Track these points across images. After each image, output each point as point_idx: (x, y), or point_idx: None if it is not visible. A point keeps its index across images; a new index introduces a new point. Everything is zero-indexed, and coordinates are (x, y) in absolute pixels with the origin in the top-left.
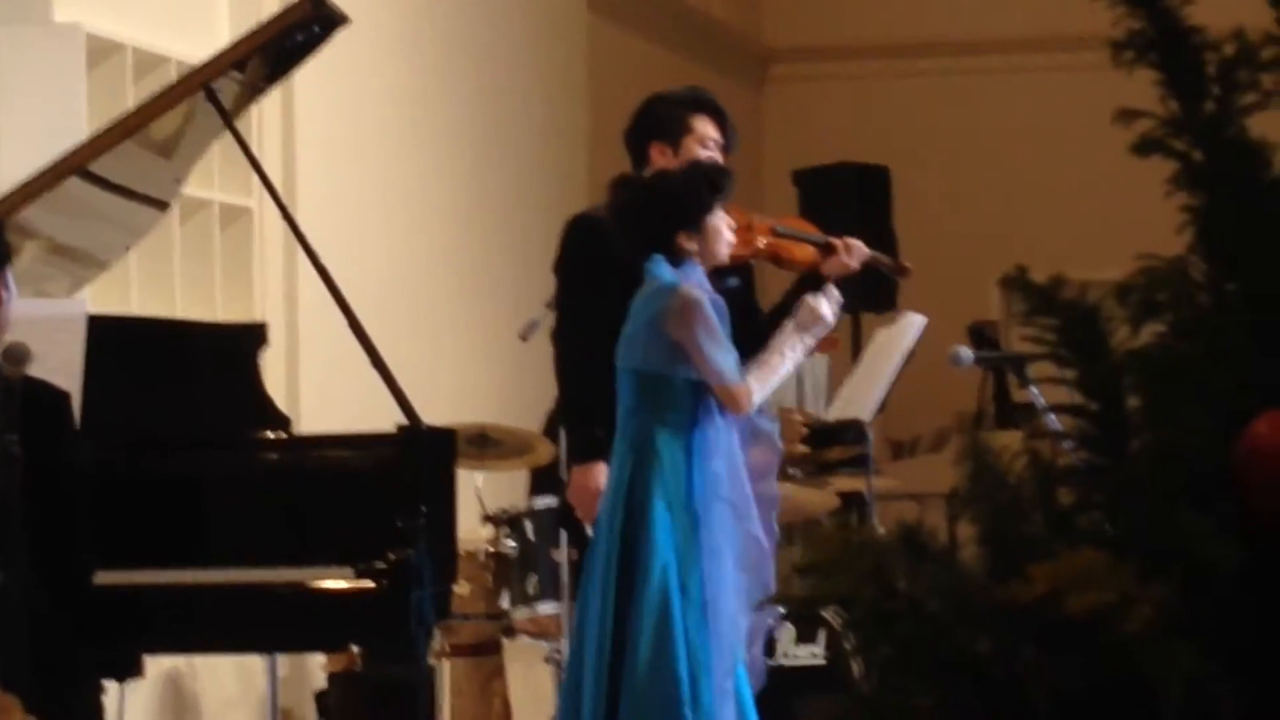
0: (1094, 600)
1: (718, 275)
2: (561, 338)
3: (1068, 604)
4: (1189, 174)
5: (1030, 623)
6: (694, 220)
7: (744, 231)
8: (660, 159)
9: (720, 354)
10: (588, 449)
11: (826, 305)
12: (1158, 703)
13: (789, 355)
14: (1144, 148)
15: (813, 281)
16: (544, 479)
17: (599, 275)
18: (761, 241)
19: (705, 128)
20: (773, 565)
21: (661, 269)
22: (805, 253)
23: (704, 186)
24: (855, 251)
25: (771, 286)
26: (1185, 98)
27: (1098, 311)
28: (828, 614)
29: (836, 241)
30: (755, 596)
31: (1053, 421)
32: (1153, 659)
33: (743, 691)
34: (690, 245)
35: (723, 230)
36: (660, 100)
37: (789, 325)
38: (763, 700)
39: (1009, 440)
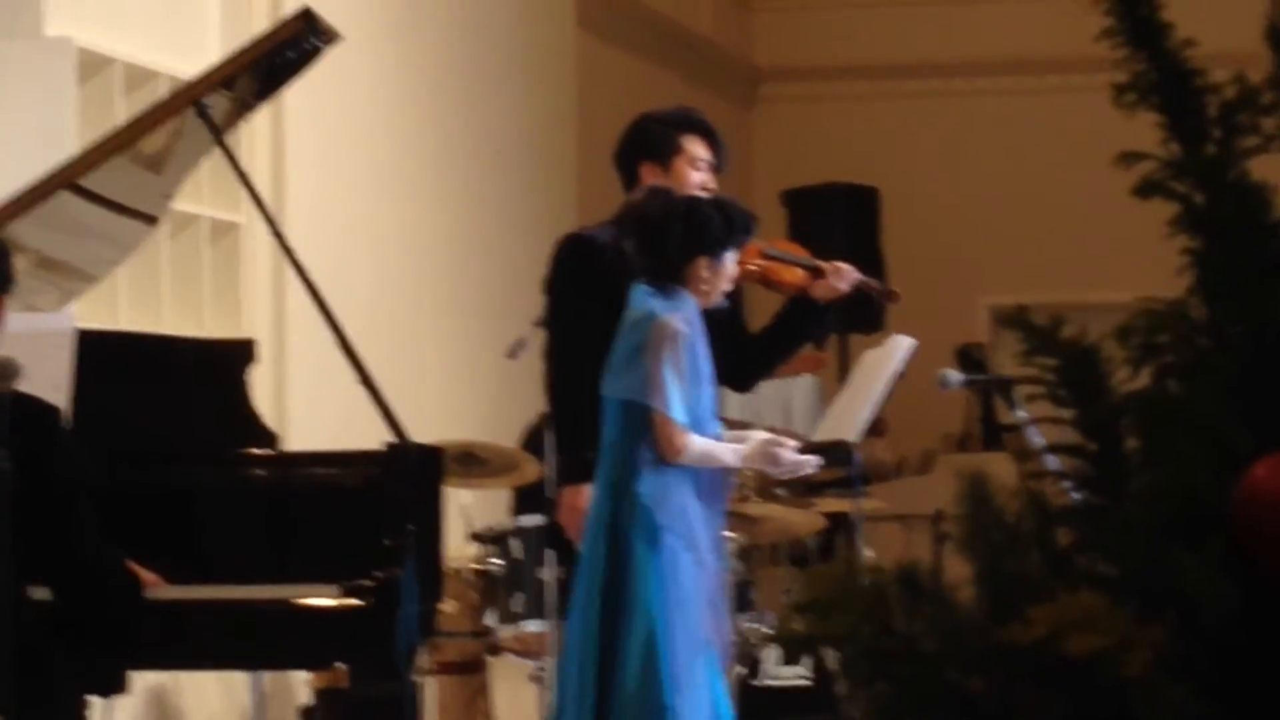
0: (1092, 642)
1: None
2: (552, 358)
3: (1066, 646)
4: (1190, 216)
5: (1027, 664)
6: (719, 251)
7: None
8: (650, 178)
9: (674, 389)
10: (577, 470)
11: (788, 456)
12: None
13: (733, 459)
14: (1145, 190)
15: (802, 304)
16: (528, 497)
17: (590, 296)
18: (751, 264)
19: (696, 148)
20: (721, 589)
21: (644, 298)
22: (794, 275)
23: (738, 225)
24: (844, 276)
25: (760, 308)
26: (1187, 140)
27: (1097, 352)
28: None
29: (826, 266)
30: (706, 623)
31: (1040, 443)
32: (1149, 701)
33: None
34: (704, 273)
35: (732, 273)
36: (651, 119)
37: (757, 441)
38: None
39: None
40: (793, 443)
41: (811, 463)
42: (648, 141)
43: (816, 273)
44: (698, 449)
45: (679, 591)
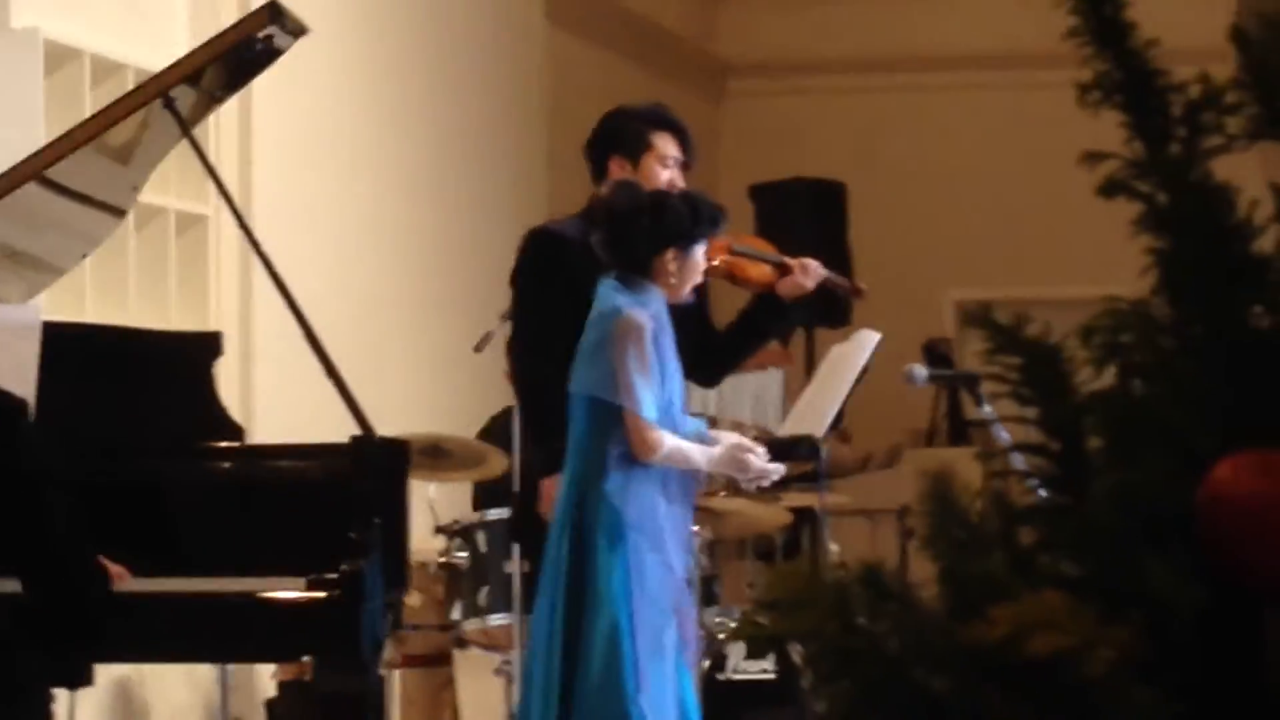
0: (1055, 642)
1: None
2: (515, 352)
3: (1029, 646)
4: (1154, 216)
5: (990, 664)
6: (687, 243)
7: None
8: (619, 173)
9: (643, 387)
10: (555, 461)
11: (756, 463)
12: None
13: (703, 462)
14: (1109, 189)
15: (768, 301)
16: (491, 491)
17: (556, 289)
18: (718, 259)
19: (666, 145)
20: (687, 592)
21: (611, 293)
22: (761, 272)
23: (705, 217)
24: (811, 272)
25: (726, 303)
26: (1150, 140)
27: (1060, 351)
28: None
29: (793, 262)
30: (669, 624)
31: (1006, 438)
32: (1112, 702)
33: (690, 714)
34: (672, 266)
35: (700, 266)
36: (623, 115)
37: (726, 447)
38: (712, 714)
39: (962, 458)
40: (760, 449)
41: (777, 471)
42: (618, 136)
43: (783, 269)
44: (669, 448)
45: (643, 589)
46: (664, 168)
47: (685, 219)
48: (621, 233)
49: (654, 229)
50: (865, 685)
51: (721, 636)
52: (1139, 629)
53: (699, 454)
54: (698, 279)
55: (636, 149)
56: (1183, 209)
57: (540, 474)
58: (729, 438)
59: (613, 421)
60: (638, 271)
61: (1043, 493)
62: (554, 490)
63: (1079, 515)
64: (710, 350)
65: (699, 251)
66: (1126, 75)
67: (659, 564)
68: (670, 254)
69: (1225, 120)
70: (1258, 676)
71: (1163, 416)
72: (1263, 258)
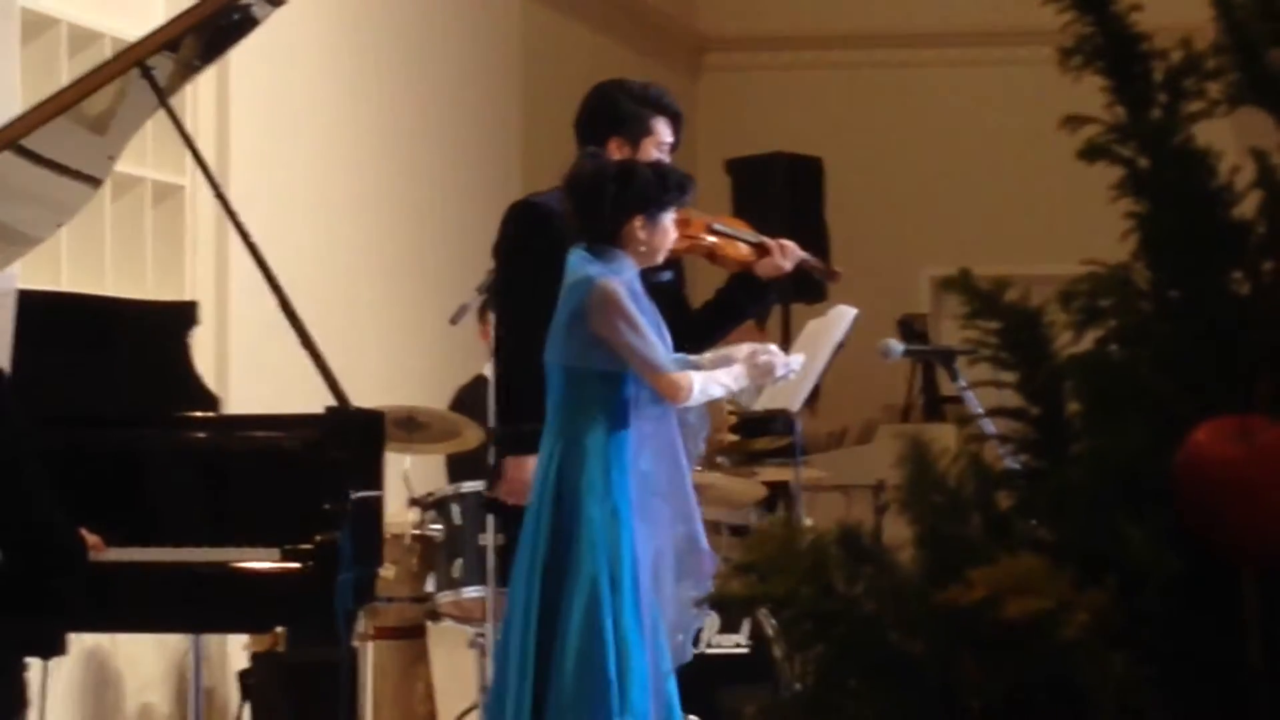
0: (1031, 606)
1: (651, 270)
2: (507, 325)
3: (1005, 609)
4: (1134, 180)
5: (966, 627)
6: (655, 210)
7: (681, 226)
8: (617, 154)
9: (645, 345)
10: (520, 442)
11: (779, 359)
12: (1089, 710)
13: (733, 383)
14: (1090, 153)
15: (746, 281)
16: (465, 463)
17: (541, 262)
18: (697, 238)
19: (664, 131)
20: (711, 565)
21: (581, 261)
22: (739, 251)
23: (673, 184)
24: (789, 254)
25: (704, 282)
26: (1132, 104)
27: (1040, 316)
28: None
29: (771, 243)
30: (691, 599)
31: (980, 414)
32: (1086, 665)
33: (669, 690)
34: (641, 234)
35: (670, 233)
36: (624, 94)
37: (743, 359)
38: (686, 689)
39: (937, 432)
40: (773, 346)
41: (797, 361)
42: (621, 116)
43: (762, 249)
44: (699, 386)
45: (625, 560)
46: (659, 153)
47: (652, 186)
48: (589, 201)
49: (621, 196)
50: (841, 648)
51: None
52: (1115, 593)
53: (729, 378)
54: (669, 246)
55: (638, 133)
56: (1164, 174)
57: (503, 453)
58: (739, 351)
59: (589, 390)
60: (606, 240)
61: (1012, 461)
62: (519, 474)
63: (1057, 479)
64: (687, 329)
65: (667, 219)
66: (1108, 39)
67: (646, 535)
68: (638, 221)
69: (1206, 86)
70: (1233, 641)
71: (1141, 381)
72: (1242, 223)
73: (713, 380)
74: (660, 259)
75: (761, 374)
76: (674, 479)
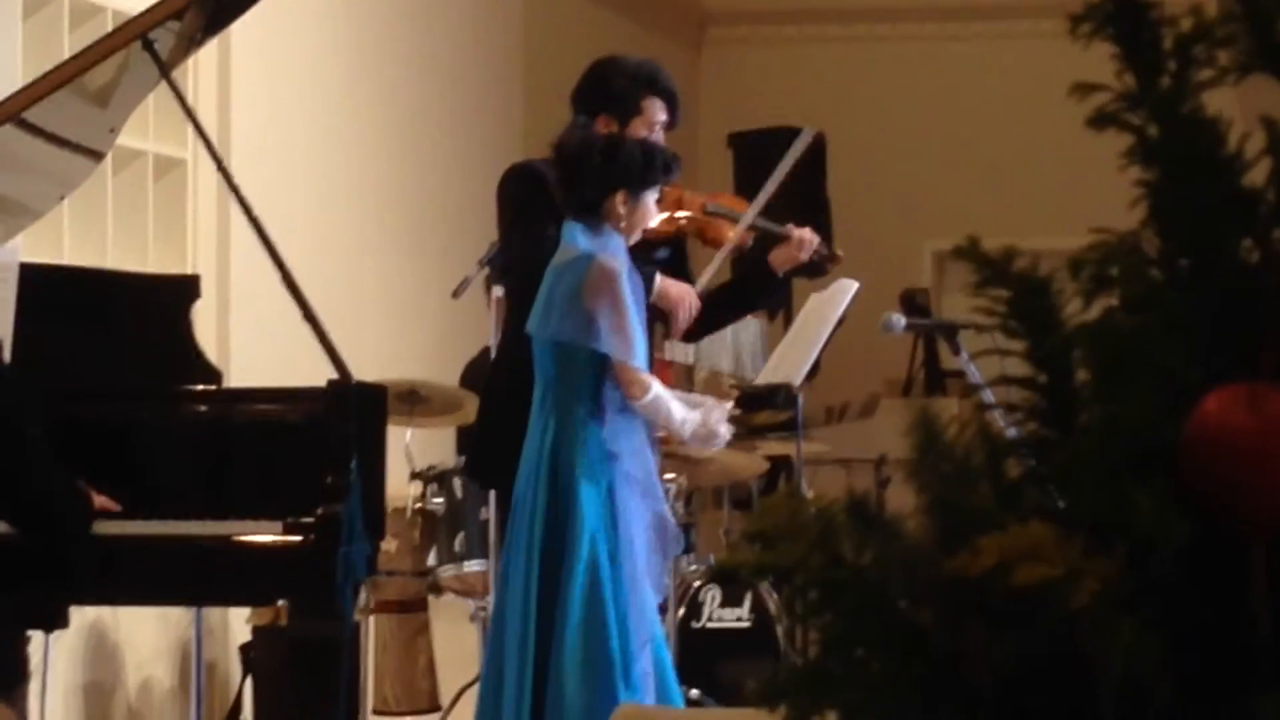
0: (1041, 574)
1: (648, 248)
2: (511, 298)
3: (1014, 577)
4: (1143, 149)
5: (975, 595)
6: (638, 187)
7: (673, 206)
8: (605, 130)
9: (622, 332)
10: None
11: (719, 440)
12: (1096, 677)
13: (677, 425)
14: (1099, 121)
15: (762, 273)
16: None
17: (543, 222)
18: (690, 217)
19: (656, 111)
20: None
21: (578, 236)
22: (733, 232)
23: (659, 163)
24: (806, 246)
25: (700, 261)
26: (1141, 72)
27: (1049, 284)
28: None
29: (792, 234)
30: (662, 576)
31: (984, 388)
32: (1095, 633)
33: (663, 658)
34: (621, 209)
35: (652, 212)
36: (619, 72)
37: (701, 420)
38: (688, 662)
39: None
40: (726, 416)
41: (720, 443)
42: (611, 94)
43: (780, 239)
44: (655, 393)
45: (624, 532)
46: (649, 132)
47: (637, 162)
48: (573, 173)
49: (605, 170)
50: (850, 617)
51: (697, 584)
52: (1124, 561)
53: (681, 413)
54: (648, 224)
55: (627, 111)
56: (1173, 142)
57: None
58: (709, 403)
59: (581, 366)
60: (588, 212)
61: (1028, 426)
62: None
63: (1066, 448)
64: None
65: (650, 198)
66: (1118, 6)
67: (643, 509)
68: (620, 196)
69: (1216, 54)
70: (1241, 610)
71: (1151, 349)
72: (1252, 191)
73: (670, 400)
74: (636, 237)
75: (704, 437)
76: (640, 461)
